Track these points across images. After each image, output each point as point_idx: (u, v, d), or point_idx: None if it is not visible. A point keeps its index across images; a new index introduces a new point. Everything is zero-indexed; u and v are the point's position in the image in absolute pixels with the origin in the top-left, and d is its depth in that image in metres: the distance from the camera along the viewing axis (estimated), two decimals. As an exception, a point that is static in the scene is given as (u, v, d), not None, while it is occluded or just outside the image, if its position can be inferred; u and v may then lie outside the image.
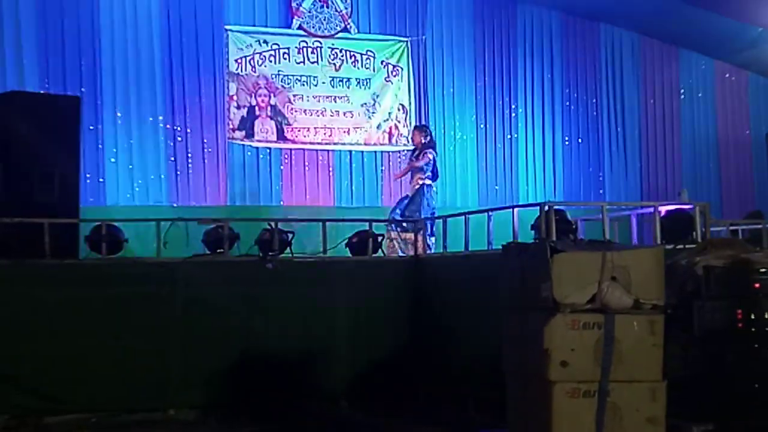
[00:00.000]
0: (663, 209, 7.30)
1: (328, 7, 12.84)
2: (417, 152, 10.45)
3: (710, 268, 4.92)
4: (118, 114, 11.85)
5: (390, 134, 12.98)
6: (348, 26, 12.94)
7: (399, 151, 13.05)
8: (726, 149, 14.87)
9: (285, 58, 12.66)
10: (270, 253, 7.50)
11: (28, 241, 6.97)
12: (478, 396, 6.44)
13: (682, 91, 14.72)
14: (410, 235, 9.47)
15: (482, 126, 13.57)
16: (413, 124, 12.98)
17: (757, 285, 4.87)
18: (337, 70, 12.87)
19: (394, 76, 13.14)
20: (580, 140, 14.06)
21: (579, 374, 4.32)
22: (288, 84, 12.65)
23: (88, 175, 11.25)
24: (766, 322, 4.83)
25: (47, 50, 11.54)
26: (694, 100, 14.78)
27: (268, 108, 12.54)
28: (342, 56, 12.92)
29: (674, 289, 4.80)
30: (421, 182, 10.16)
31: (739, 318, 4.85)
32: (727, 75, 14.92)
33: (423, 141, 10.47)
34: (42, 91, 10.82)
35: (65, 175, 7.81)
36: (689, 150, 14.66)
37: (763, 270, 4.88)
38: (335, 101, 12.85)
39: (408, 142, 12.95)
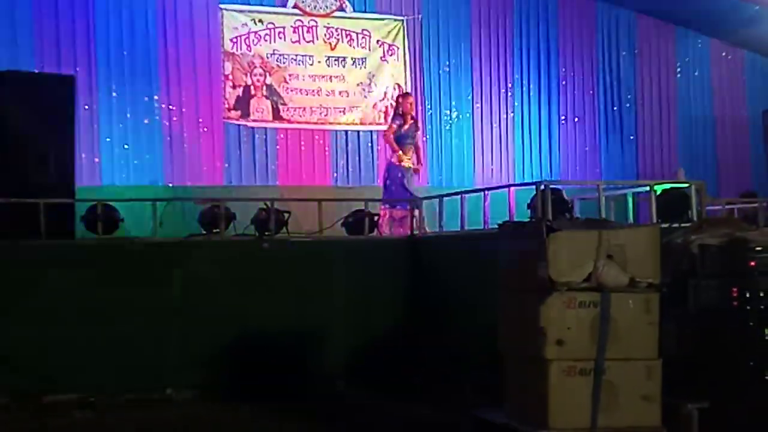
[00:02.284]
0: (659, 188, 7.31)
1: (323, -14, 12.78)
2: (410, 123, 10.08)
3: (706, 247, 4.92)
4: (114, 93, 11.81)
5: (386, 114, 12.95)
6: (343, 5, 12.88)
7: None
8: (722, 128, 14.86)
9: (280, 37, 12.61)
10: (266, 233, 7.51)
11: (24, 221, 6.97)
12: (474, 376, 6.46)
13: (679, 69, 14.69)
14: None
15: (478, 105, 13.55)
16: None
17: (752, 263, 4.87)
18: (332, 50, 12.83)
19: (390, 55, 13.09)
20: (576, 119, 14.05)
21: (575, 352, 4.35)
22: (283, 63, 12.60)
23: (83, 155, 11.21)
24: (762, 300, 4.83)
25: (41, 30, 11.49)
26: (691, 78, 14.76)
27: (264, 87, 12.50)
28: (338, 35, 12.87)
29: (670, 267, 4.81)
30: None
31: (734, 296, 4.86)
32: (724, 53, 14.89)
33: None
34: (36, 71, 10.77)
35: (60, 155, 7.80)
36: (686, 129, 14.66)
37: (759, 248, 4.88)
38: (331, 81, 12.81)
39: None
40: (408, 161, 9.84)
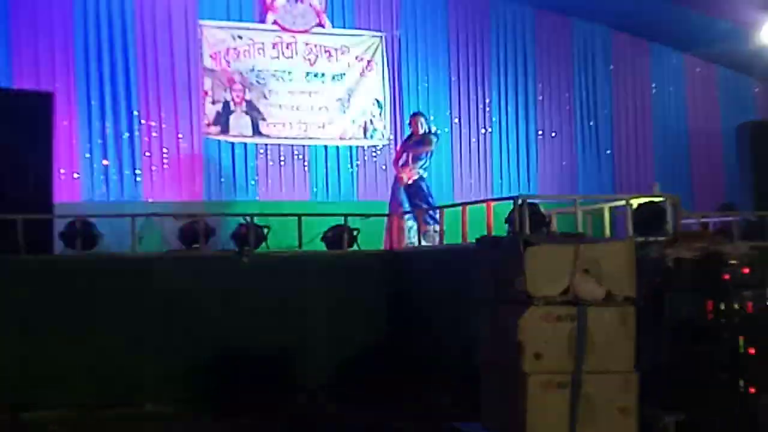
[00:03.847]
0: (635, 202, 7.39)
1: (302, 3, 12.83)
2: (415, 139, 10.38)
3: (681, 260, 5.00)
4: (93, 109, 11.78)
5: (365, 129, 12.99)
6: (322, 22, 12.92)
7: (374, 146, 13.08)
8: (697, 142, 15.01)
9: (260, 53, 12.64)
10: (246, 248, 7.52)
11: (2, 237, 6.95)
12: (453, 388, 6.50)
13: (654, 85, 14.85)
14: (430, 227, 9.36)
15: (456, 121, 13.62)
16: (388, 118, 13.03)
17: (726, 276, 4.95)
18: (311, 65, 12.86)
19: (369, 71, 13.15)
20: (553, 134, 14.14)
21: (552, 366, 4.38)
22: (263, 79, 12.62)
23: (62, 171, 11.18)
24: (736, 312, 4.91)
25: (20, 46, 11.45)
26: (665, 94, 14.91)
27: (243, 103, 12.51)
28: (317, 51, 12.91)
29: (645, 281, 4.87)
30: (419, 173, 10.11)
31: (709, 309, 4.93)
32: (698, 69, 15.06)
33: (424, 129, 10.42)
34: (14, 87, 10.74)
35: (39, 171, 7.81)
36: (661, 143, 14.79)
37: (733, 262, 4.96)
38: (310, 96, 12.84)
39: (383, 136, 13.00)
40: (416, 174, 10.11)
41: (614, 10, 13.77)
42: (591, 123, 14.40)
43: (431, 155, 10.45)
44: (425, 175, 10.24)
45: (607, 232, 8.21)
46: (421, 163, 10.17)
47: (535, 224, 6.66)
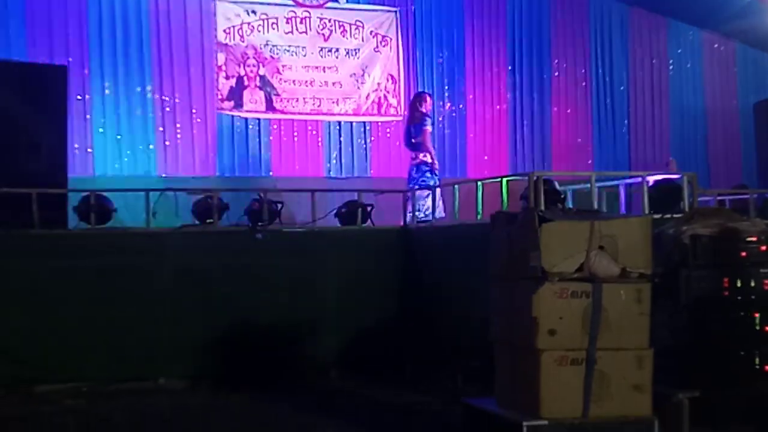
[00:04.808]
0: (651, 179, 7.33)
1: (316, -23, 12.77)
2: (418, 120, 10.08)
3: (697, 237, 4.95)
4: (106, 84, 11.79)
5: (379, 104, 12.95)
6: (337, -4, 12.88)
7: (389, 122, 13.03)
8: (714, 119, 14.91)
9: (273, 28, 12.59)
10: (259, 224, 7.51)
11: (16, 211, 6.95)
12: (466, 365, 6.48)
13: (671, 61, 14.71)
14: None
15: (471, 96, 13.56)
16: (403, 94, 12.96)
17: (743, 253, 4.91)
18: (325, 40, 12.82)
19: (383, 46, 13.09)
20: (568, 110, 14.06)
21: (567, 342, 4.36)
22: (276, 54, 12.59)
23: (76, 146, 11.21)
24: (752, 290, 4.88)
25: (33, 20, 11.46)
26: (682, 70, 14.79)
27: (257, 78, 12.49)
28: (331, 26, 12.86)
29: (661, 258, 4.84)
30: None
31: (725, 286, 4.90)
32: (716, 45, 14.93)
33: (424, 110, 9.99)
34: (29, 61, 10.73)
35: (52, 145, 7.79)
36: (677, 120, 14.70)
37: (750, 239, 4.92)
38: (324, 71, 12.80)
39: (397, 112, 12.95)
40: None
41: (632, -15, 13.65)
42: (607, 100, 14.32)
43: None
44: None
45: (623, 209, 8.16)
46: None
47: (550, 201, 6.61)
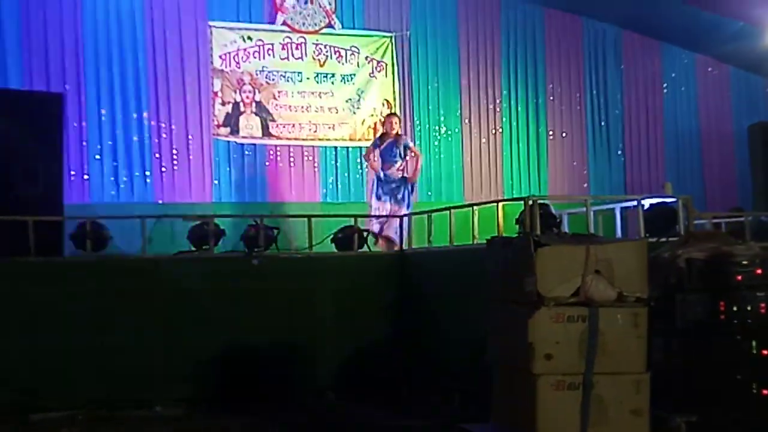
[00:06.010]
0: (646, 202, 7.35)
1: (312, 3, 12.83)
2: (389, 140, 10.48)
3: (692, 261, 4.95)
4: (102, 111, 11.80)
5: (375, 130, 12.98)
6: (332, 22, 12.93)
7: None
8: (708, 142, 14.95)
9: (269, 54, 12.65)
10: (255, 250, 7.51)
11: (12, 238, 6.95)
12: (463, 389, 6.47)
13: (665, 85, 14.79)
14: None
15: (467, 121, 13.60)
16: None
17: (739, 277, 4.91)
18: (321, 66, 12.87)
19: (379, 71, 13.14)
20: (564, 134, 14.11)
21: (563, 367, 4.35)
22: (272, 80, 12.63)
23: (72, 173, 11.22)
24: (748, 314, 4.86)
25: (30, 48, 11.49)
26: (677, 93, 14.85)
27: (253, 104, 12.52)
28: (326, 52, 12.91)
29: (657, 281, 4.83)
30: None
31: (721, 310, 4.88)
32: (710, 69, 15.01)
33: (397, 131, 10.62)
34: (25, 89, 10.76)
35: (49, 172, 7.81)
36: (672, 143, 14.74)
37: (745, 262, 4.92)
38: (320, 97, 12.85)
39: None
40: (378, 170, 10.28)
41: (625, 10, 13.73)
42: (602, 123, 14.36)
43: None
44: None
45: (619, 232, 8.18)
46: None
47: (545, 225, 6.63)
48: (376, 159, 10.41)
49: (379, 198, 10.15)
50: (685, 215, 6.78)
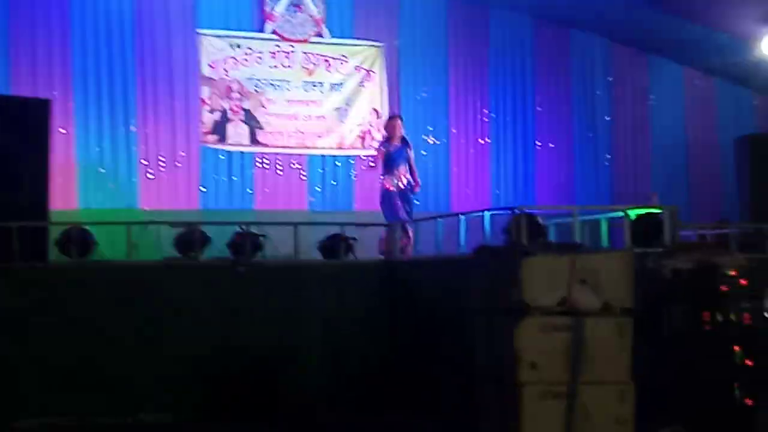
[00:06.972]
0: (633, 213, 7.37)
1: (301, 12, 12.84)
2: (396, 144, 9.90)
3: (678, 271, 4.98)
4: (90, 117, 11.77)
5: (363, 138, 12.99)
6: (321, 31, 12.94)
7: (372, 156, 13.04)
8: (695, 154, 15.02)
9: (258, 62, 12.64)
10: (241, 257, 7.49)
11: (-4, 244, 6.91)
12: (450, 398, 6.46)
13: (652, 97, 14.85)
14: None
15: (455, 131, 13.62)
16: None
17: (723, 288, 4.93)
18: (310, 75, 12.87)
19: (368, 80, 13.15)
20: (551, 145, 14.15)
21: (549, 376, 4.36)
22: (261, 88, 12.62)
23: (58, 179, 11.16)
24: (733, 324, 4.89)
25: (17, 53, 11.46)
26: (663, 105, 14.92)
27: (241, 112, 12.51)
28: (315, 60, 12.91)
29: (643, 292, 4.85)
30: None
31: (706, 320, 4.91)
32: (696, 81, 15.09)
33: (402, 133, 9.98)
34: (12, 94, 10.72)
35: (35, 178, 7.76)
36: (659, 155, 14.80)
37: (730, 273, 4.95)
38: (308, 105, 12.84)
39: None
40: (393, 184, 9.72)
41: (613, 22, 13.80)
42: (590, 134, 14.41)
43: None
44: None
45: (605, 243, 8.20)
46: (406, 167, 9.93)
47: (532, 235, 6.63)
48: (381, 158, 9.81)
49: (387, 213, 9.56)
50: (671, 226, 6.80)
